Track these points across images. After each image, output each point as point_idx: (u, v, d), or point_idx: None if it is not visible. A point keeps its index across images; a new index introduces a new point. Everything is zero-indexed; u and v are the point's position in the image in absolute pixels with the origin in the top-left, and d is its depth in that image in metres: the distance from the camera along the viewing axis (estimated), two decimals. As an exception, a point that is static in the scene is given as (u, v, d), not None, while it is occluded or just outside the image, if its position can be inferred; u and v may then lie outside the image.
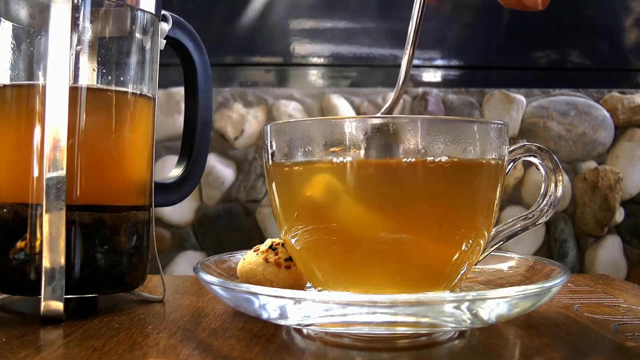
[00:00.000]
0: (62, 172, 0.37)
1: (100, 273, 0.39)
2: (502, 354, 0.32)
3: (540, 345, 0.32)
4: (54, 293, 0.36)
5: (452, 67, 0.83)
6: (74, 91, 0.38)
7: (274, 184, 0.37)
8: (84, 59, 0.40)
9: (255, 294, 0.31)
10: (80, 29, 0.39)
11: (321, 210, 0.34)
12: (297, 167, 0.35)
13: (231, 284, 0.32)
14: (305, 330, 0.35)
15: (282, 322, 0.33)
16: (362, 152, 0.33)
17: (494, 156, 0.35)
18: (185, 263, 0.77)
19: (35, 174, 0.38)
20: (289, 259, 0.38)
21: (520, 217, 0.39)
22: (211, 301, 0.43)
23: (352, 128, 0.33)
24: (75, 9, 0.39)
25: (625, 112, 0.81)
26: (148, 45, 0.43)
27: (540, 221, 0.38)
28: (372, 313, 0.29)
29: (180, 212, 0.77)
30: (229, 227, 0.78)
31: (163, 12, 0.44)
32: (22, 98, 0.39)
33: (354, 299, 0.30)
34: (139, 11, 0.42)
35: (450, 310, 0.29)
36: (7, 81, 0.40)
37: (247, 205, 0.78)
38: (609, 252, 0.80)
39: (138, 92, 0.42)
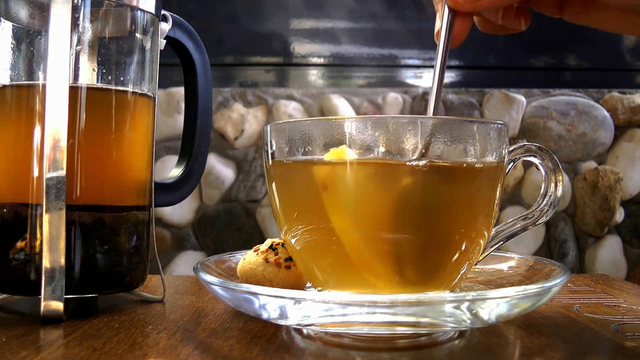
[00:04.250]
0: (62, 172, 0.37)
1: (100, 273, 0.39)
2: (502, 354, 0.32)
3: (540, 345, 0.32)
4: (54, 293, 0.36)
5: (452, 67, 0.84)
6: (74, 91, 0.38)
7: (274, 184, 0.37)
8: (84, 59, 0.40)
9: (255, 294, 0.31)
10: (80, 29, 0.39)
11: (321, 210, 0.34)
12: (297, 167, 0.35)
13: (231, 284, 0.32)
14: (305, 330, 0.35)
15: (282, 322, 0.33)
16: (362, 152, 0.33)
17: (493, 156, 0.35)
18: (185, 263, 0.77)
19: (35, 174, 0.38)
20: (289, 259, 0.38)
21: (520, 217, 0.39)
22: (211, 301, 0.43)
23: (352, 128, 0.33)
24: (75, 9, 0.39)
25: (625, 112, 0.81)
26: (148, 45, 0.43)
27: (540, 221, 0.38)
28: (372, 313, 0.29)
29: (180, 212, 0.77)
30: (229, 227, 0.78)
31: (163, 12, 0.44)
32: (22, 98, 0.39)
33: (354, 299, 0.30)
34: (139, 11, 0.42)
35: (450, 310, 0.29)
36: (7, 81, 0.40)
37: (247, 205, 0.78)
38: (609, 252, 0.80)
39: (138, 92, 0.42)
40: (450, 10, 0.38)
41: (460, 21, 0.38)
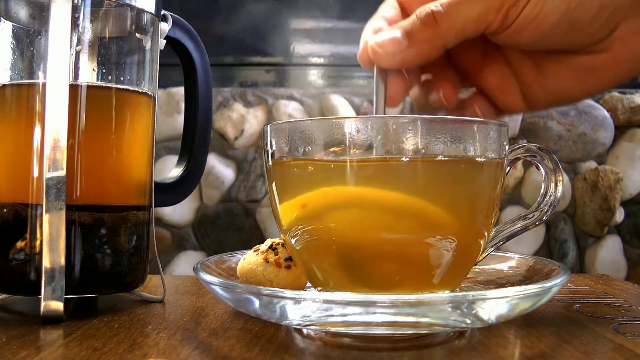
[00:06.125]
0: (62, 172, 0.37)
1: (100, 273, 0.39)
2: (502, 354, 0.32)
3: (540, 345, 0.32)
4: (54, 293, 0.36)
5: (452, 67, 0.83)
6: (74, 91, 0.38)
7: (274, 184, 0.37)
8: (84, 59, 0.40)
9: (255, 294, 0.31)
10: (80, 29, 0.39)
11: (320, 211, 0.34)
12: (297, 167, 0.35)
13: (231, 284, 0.32)
14: (305, 330, 0.35)
15: (282, 322, 0.33)
16: (362, 152, 0.33)
17: (494, 156, 0.35)
18: (185, 263, 0.77)
19: (35, 174, 0.38)
20: (289, 259, 0.38)
21: (520, 217, 0.39)
22: (211, 301, 0.43)
23: (352, 128, 0.33)
24: (75, 9, 0.39)
25: (625, 112, 0.81)
26: (148, 45, 0.43)
27: (540, 221, 0.38)
28: (372, 313, 0.29)
29: (180, 212, 0.77)
30: (229, 227, 0.78)
31: (163, 12, 0.44)
32: (22, 98, 0.39)
33: (354, 299, 0.30)
34: (139, 11, 0.42)
35: (450, 310, 0.29)
36: (7, 81, 0.40)
37: (247, 205, 0.78)
38: (609, 252, 0.80)
39: (138, 92, 0.42)
40: (380, 71, 0.39)
41: (394, 82, 0.40)
